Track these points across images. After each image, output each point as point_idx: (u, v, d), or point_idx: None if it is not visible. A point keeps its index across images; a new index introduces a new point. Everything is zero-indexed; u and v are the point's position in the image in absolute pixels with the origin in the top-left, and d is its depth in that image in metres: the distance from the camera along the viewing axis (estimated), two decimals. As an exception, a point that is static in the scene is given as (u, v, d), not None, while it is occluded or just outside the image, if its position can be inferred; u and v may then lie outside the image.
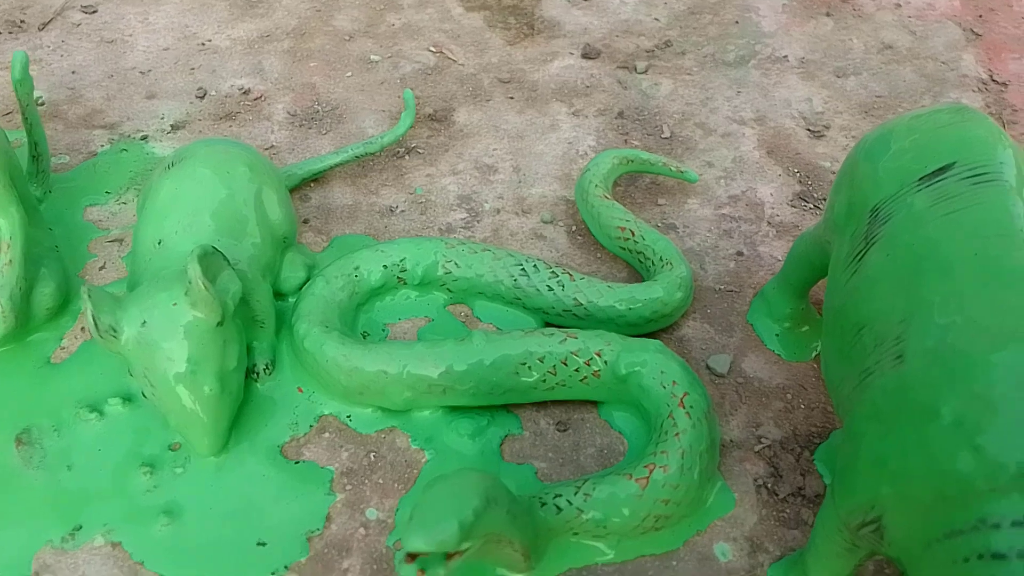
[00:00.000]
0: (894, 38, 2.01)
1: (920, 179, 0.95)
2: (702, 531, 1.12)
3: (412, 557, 0.85)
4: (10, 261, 1.19)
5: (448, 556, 0.86)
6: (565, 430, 1.23)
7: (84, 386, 1.22)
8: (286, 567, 1.07)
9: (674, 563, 1.09)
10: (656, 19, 2.03)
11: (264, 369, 1.24)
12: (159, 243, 1.19)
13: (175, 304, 1.09)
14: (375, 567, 1.07)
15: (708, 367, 1.31)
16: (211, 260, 1.10)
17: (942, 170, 0.94)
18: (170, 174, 1.25)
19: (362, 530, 1.11)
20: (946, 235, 0.89)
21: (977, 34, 2.06)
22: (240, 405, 1.19)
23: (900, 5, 2.12)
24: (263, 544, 1.08)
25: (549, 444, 1.21)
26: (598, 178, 1.46)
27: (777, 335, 1.34)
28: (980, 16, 2.12)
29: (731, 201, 1.57)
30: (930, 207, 0.92)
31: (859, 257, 0.99)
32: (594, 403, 1.25)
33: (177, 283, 1.09)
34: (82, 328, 1.30)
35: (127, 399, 1.21)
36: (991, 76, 1.94)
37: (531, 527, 0.96)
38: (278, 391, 1.24)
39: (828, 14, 2.08)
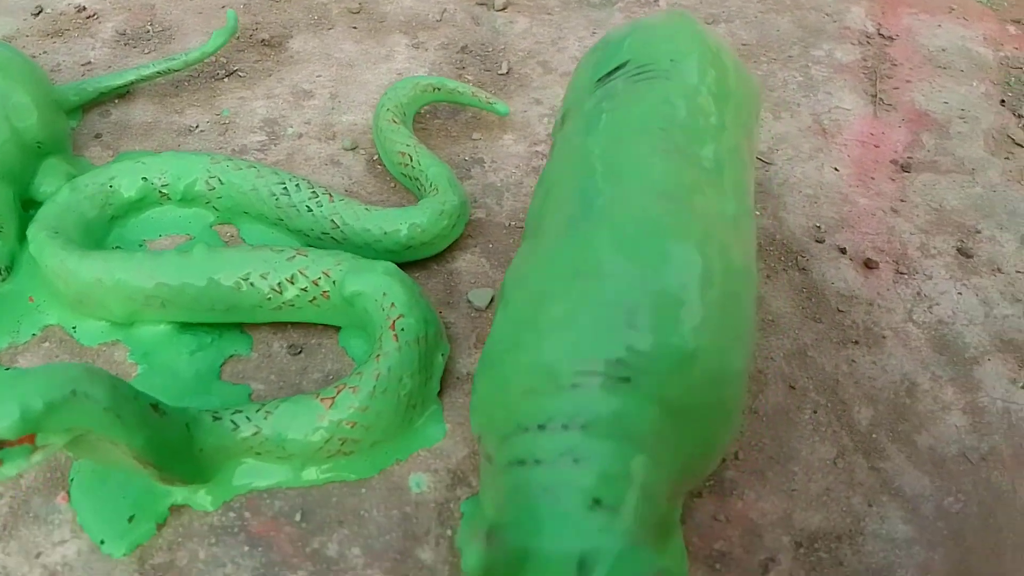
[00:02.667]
0: (781, -13, 1.91)
1: (597, 81, 0.88)
2: (402, 460, 1.06)
3: (2, 446, 0.81)
4: None
5: (33, 449, 0.81)
6: (297, 353, 1.18)
7: None
8: (-40, 468, 1.03)
9: (363, 491, 1.04)
10: (533, -41, 1.95)
11: (-3, 274, 1.20)
12: None
13: None
14: (50, 476, 1.03)
15: (468, 300, 1.24)
16: (-91, 150, 1.06)
17: (616, 70, 0.87)
18: (-94, 68, 1.21)
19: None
20: (589, 135, 0.82)
21: (877, -12, 1.95)
22: (-39, 308, 1.16)
23: (799, -45, 2.02)
24: (-56, 445, 1.05)
25: (275, 367, 1.16)
26: (392, 103, 1.39)
27: (555, 273, 1.27)
28: (886, -30, 2.01)
29: (549, 139, 1.50)
30: (593, 107, 0.85)
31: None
32: (335, 328, 1.20)
33: None
34: None
35: None
36: (878, 30, 1.83)
37: (164, 435, 0.91)
38: (9, 298, 1.20)
39: (718, -39, 1.97)
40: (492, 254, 1.31)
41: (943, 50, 1.78)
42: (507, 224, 1.36)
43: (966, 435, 1.16)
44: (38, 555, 0.97)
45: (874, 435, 1.15)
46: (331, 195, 1.26)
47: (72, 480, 1.02)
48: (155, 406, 0.92)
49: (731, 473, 1.09)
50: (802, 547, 1.04)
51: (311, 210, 1.25)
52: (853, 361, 1.23)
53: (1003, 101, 1.67)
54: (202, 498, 1.01)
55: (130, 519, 0.98)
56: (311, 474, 1.04)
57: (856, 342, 1.25)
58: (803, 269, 1.34)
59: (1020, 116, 1.65)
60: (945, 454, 1.14)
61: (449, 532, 1.01)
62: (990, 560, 1.04)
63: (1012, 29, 1.86)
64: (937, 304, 1.31)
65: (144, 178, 1.28)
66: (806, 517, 1.06)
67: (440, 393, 1.12)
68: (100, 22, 1.69)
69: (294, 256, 1.14)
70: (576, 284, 0.67)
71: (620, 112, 0.81)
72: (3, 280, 1.21)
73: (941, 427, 1.16)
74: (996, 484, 1.11)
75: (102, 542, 0.97)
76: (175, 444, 0.94)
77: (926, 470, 1.12)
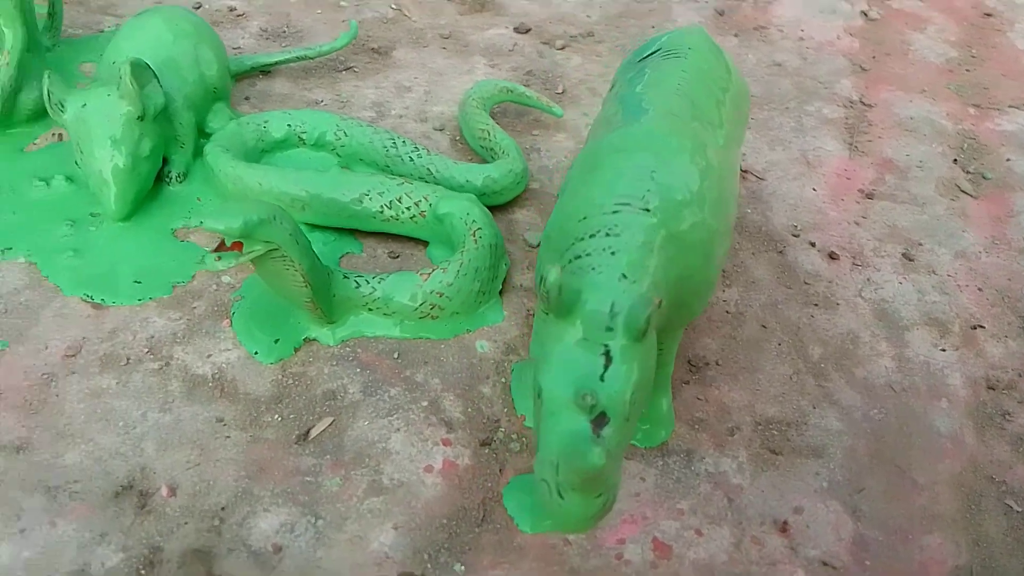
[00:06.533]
0: (786, 59, 2.36)
1: (639, 60, 1.31)
2: (471, 331, 1.44)
3: (219, 250, 1.19)
4: (7, 63, 1.59)
5: (240, 254, 1.20)
6: (396, 258, 1.56)
7: (42, 167, 1.60)
8: (151, 298, 1.41)
9: (442, 347, 1.41)
10: (588, 16, 2.41)
11: (176, 177, 1.60)
12: (113, 63, 1.57)
13: (109, 95, 1.46)
14: (216, 309, 1.41)
15: (524, 239, 1.64)
16: (142, 71, 1.47)
17: (652, 53, 1.30)
18: (133, 19, 1.65)
19: (214, 287, 1.45)
20: (631, 87, 1.24)
21: (864, 69, 2.40)
22: (151, 197, 1.56)
23: (803, 39, 2.48)
24: (139, 282, 1.43)
25: (379, 265, 1.55)
26: (477, 95, 1.82)
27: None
28: (874, 57, 2.46)
29: (593, 140, 1.91)
30: (634, 74, 1.28)
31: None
32: (424, 243, 1.58)
33: (114, 81, 1.47)
34: (52, 134, 1.68)
35: (70, 179, 1.58)
36: (861, 99, 2.27)
37: (317, 272, 1.29)
38: (183, 196, 1.60)
39: (736, 35, 2.44)
40: (543, 212, 1.71)
41: (911, 118, 2.22)
42: (554, 194, 1.76)
43: (893, 374, 1.53)
44: (209, 356, 1.34)
45: (822, 365, 1.52)
46: (428, 151, 1.67)
47: (233, 312, 1.40)
48: (313, 250, 1.30)
49: (712, 372, 1.46)
50: (760, 425, 1.40)
51: (412, 160, 1.66)
52: (812, 316, 1.61)
53: (955, 160, 2.09)
54: (328, 335, 1.38)
55: (276, 341, 1.36)
56: (406, 329, 1.41)
57: (816, 304, 1.63)
58: (780, 252, 1.73)
59: (968, 172, 2.06)
60: (875, 383, 1.50)
61: (503, 380, 1.38)
62: (900, 452, 1.40)
63: (971, 110, 2.30)
64: (881, 288, 1.69)
65: (289, 125, 1.70)
66: (765, 408, 1.43)
67: (501, 293, 1.50)
68: (247, 20, 2.14)
69: (402, 183, 1.54)
70: (617, 157, 1.07)
71: (652, 75, 1.23)
72: (180, 182, 1.61)
73: (874, 367, 1.53)
74: (911, 407, 1.47)
75: (256, 353, 1.34)
76: (322, 280, 1.32)
77: (859, 392, 1.48)
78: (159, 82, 1.51)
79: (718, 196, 1.10)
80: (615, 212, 1.03)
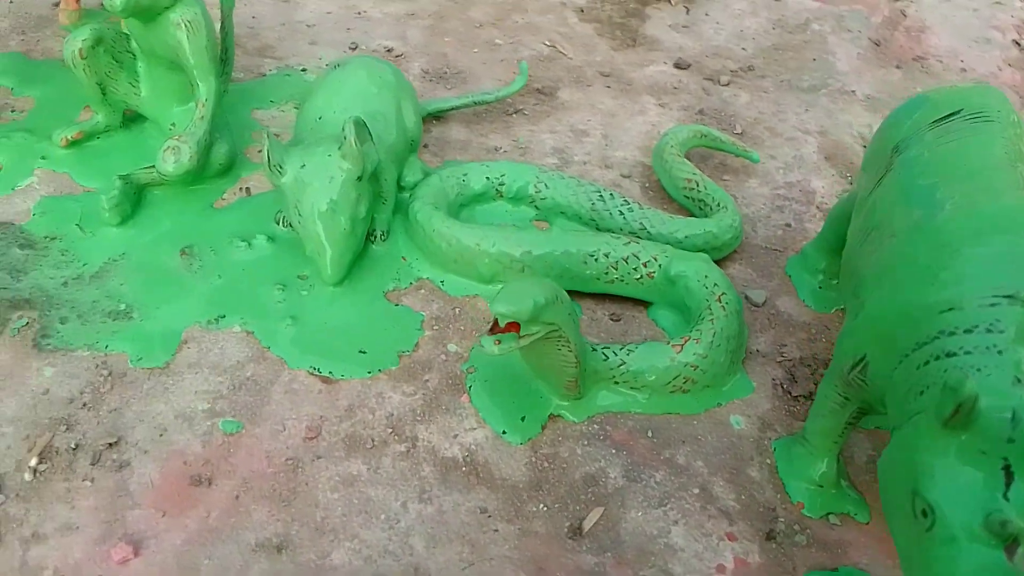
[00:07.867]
0: (956, 92, 2.25)
1: (933, 122, 1.20)
2: (722, 405, 1.33)
3: (493, 332, 1.10)
4: (202, 117, 1.51)
5: (519, 336, 1.10)
6: (617, 320, 1.46)
7: (238, 225, 1.52)
8: (380, 370, 1.32)
9: (694, 423, 1.31)
10: (744, 48, 2.32)
11: (380, 235, 1.51)
12: (319, 119, 1.49)
13: (329, 156, 1.38)
14: (450, 382, 1.32)
15: (747, 297, 1.53)
16: (361, 129, 1.39)
17: (951, 115, 1.19)
18: (336, 71, 1.57)
19: (443, 356, 1.35)
20: (941, 154, 1.13)
21: (1033, 102, 2.28)
22: (359, 257, 1.47)
23: (965, 70, 2.37)
24: (364, 352, 1.34)
25: (602, 328, 1.45)
26: (674, 141, 1.72)
27: (813, 289, 1.55)
28: (1039, 89, 2.35)
29: (787, 186, 1.81)
30: (935, 138, 1.17)
31: (879, 182, 1.23)
32: (644, 304, 1.48)
33: (334, 141, 1.39)
34: (239, 188, 1.61)
35: (271, 238, 1.49)
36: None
37: (582, 347, 1.20)
38: (388, 255, 1.51)
39: (898, 67, 2.33)
40: (755, 266, 1.61)
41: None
42: (763, 246, 1.66)
43: None
44: (455, 436, 1.24)
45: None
46: (640, 204, 1.57)
47: (469, 387, 1.30)
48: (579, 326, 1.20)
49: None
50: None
51: (623, 215, 1.56)
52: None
53: None
54: (573, 410, 1.28)
55: (522, 419, 1.26)
56: (654, 404, 1.31)
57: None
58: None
59: None
60: None
61: (768, 461, 1.27)
62: None
63: None
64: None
65: (487, 177, 1.61)
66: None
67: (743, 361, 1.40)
68: (407, 61, 2.06)
69: (629, 243, 1.45)
70: (979, 240, 0.97)
71: (962, 141, 1.13)
72: (384, 240, 1.52)
73: None
74: None
75: (504, 432, 1.25)
76: (583, 354, 1.22)
77: None
78: (372, 139, 1.42)
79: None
80: (993, 305, 0.92)
